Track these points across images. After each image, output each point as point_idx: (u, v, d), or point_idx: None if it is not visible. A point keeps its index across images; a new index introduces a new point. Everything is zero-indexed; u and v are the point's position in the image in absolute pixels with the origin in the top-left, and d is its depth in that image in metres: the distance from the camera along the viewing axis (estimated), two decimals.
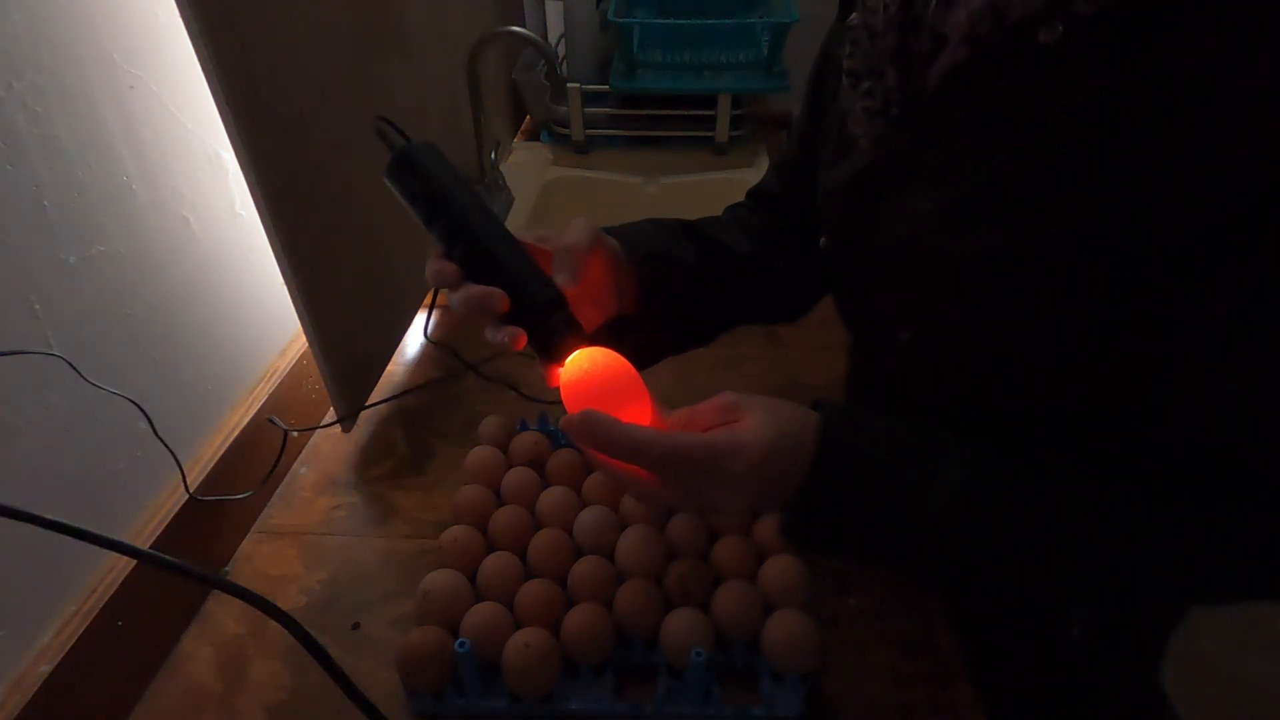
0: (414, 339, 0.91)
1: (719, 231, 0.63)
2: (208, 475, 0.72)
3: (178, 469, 0.71)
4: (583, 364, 0.44)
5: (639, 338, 0.55)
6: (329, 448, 0.76)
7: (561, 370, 0.44)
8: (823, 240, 0.59)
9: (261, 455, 0.78)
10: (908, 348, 0.52)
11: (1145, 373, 0.43)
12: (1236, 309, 0.38)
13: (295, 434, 0.76)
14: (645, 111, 1.30)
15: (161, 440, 0.65)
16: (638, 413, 0.44)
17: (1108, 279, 0.40)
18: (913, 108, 0.48)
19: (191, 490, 0.68)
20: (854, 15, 0.51)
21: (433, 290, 0.92)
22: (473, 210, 0.46)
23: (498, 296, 0.44)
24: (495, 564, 0.57)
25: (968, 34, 0.43)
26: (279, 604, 0.37)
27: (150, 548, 0.51)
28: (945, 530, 0.43)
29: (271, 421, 0.76)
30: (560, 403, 0.45)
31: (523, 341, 0.44)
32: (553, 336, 0.44)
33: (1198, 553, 0.42)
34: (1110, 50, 0.38)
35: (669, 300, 0.56)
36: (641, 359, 0.47)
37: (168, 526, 0.68)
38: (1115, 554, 0.43)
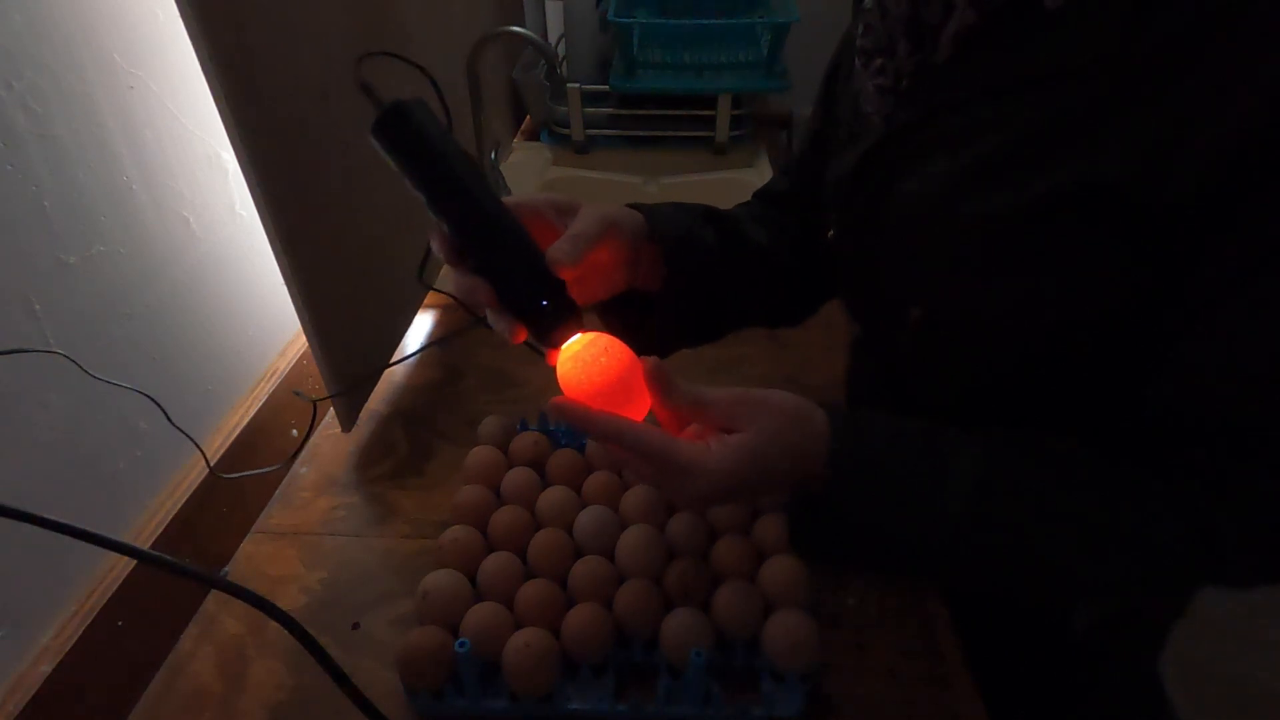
0: (414, 339, 0.91)
1: (735, 221, 0.63)
2: (207, 475, 0.72)
3: (176, 470, 0.72)
4: (579, 349, 0.44)
5: (654, 323, 0.55)
6: (329, 448, 0.76)
7: (559, 353, 0.44)
8: (830, 233, 0.59)
9: (262, 455, 0.78)
10: (919, 325, 0.52)
11: (1151, 348, 0.43)
12: (1238, 272, 0.38)
13: (317, 402, 0.76)
14: (645, 111, 1.30)
15: (178, 428, 0.66)
16: (634, 396, 0.44)
17: (1118, 233, 0.41)
18: (923, 79, 0.48)
19: (210, 471, 0.70)
20: None
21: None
22: (467, 177, 0.43)
23: (482, 291, 0.44)
24: (495, 564, 0.57)
25: None
26: (279, 604, 0.37)
27: (150, 547, 0.51)
28: (960, 529, 0.43)
29: (297, 394, 0.78)
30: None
31: (521, 335, 0.45)
32: (545, 322, 0.44)
33: (1206, 536, 0.42)
34: (1117, 11, 0.39)
35: (690, 282, 0.56)
36: (655, 347, 0.47)
37: (168, 526, 0.68)
38: (1129, 540, 0.43)
